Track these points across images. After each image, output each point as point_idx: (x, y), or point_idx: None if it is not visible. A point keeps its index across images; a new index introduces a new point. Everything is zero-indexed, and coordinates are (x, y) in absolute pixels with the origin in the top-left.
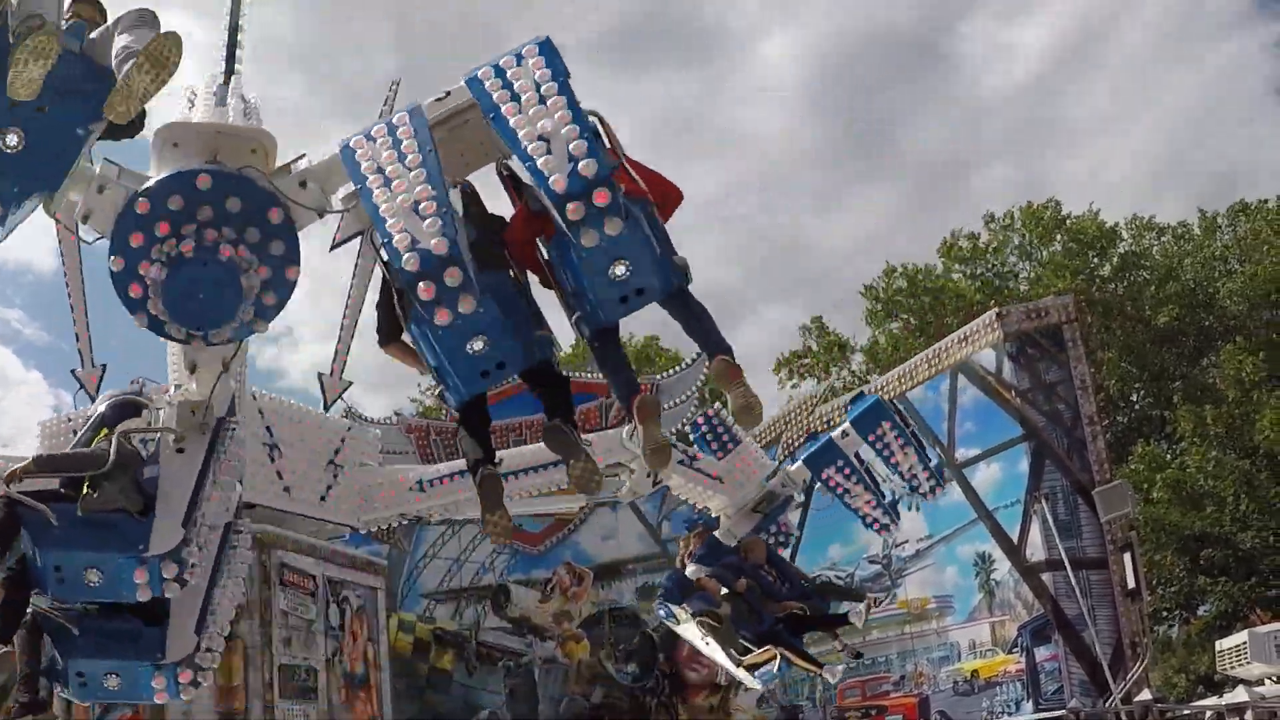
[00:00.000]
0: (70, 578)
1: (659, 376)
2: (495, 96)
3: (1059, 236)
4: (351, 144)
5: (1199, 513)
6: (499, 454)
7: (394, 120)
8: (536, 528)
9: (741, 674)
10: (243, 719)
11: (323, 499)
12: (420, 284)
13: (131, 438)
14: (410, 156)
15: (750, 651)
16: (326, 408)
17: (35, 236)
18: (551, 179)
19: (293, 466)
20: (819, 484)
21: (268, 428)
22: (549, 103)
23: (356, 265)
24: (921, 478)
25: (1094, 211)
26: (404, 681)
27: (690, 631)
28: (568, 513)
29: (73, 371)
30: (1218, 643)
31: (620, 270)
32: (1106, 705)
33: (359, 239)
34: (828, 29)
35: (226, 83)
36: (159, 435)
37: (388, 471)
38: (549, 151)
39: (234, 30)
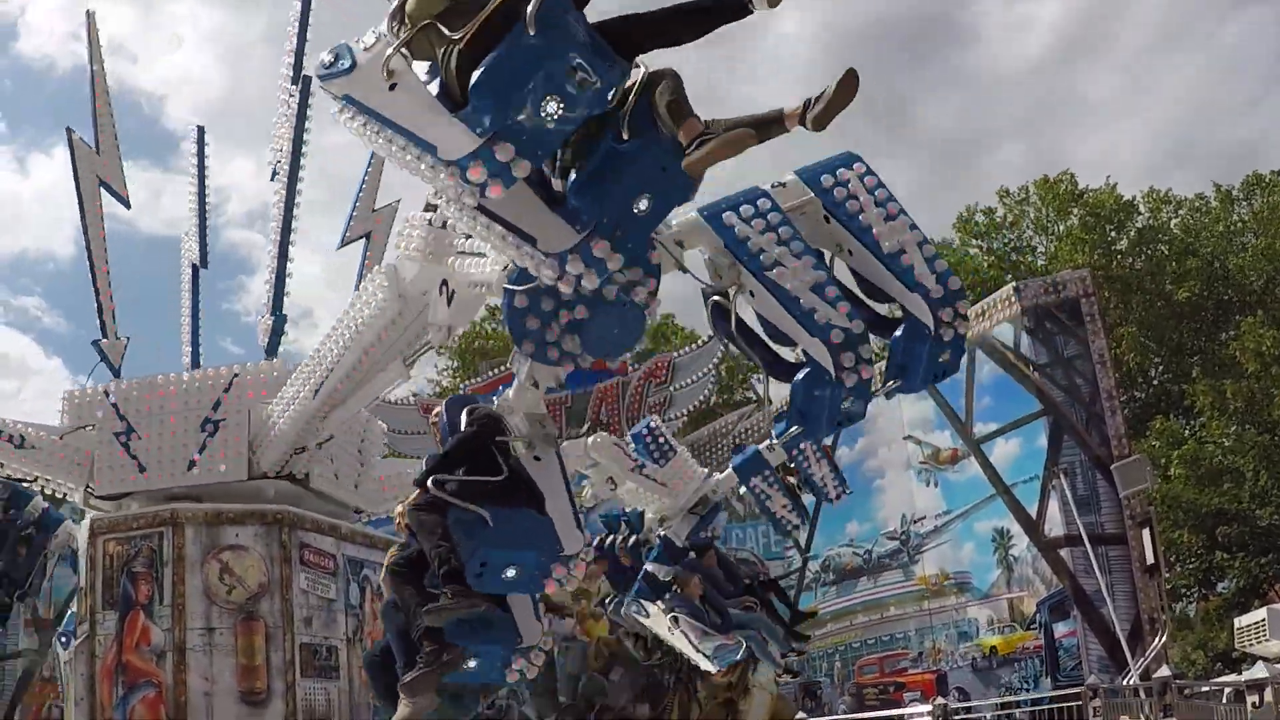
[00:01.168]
0: (490, 572)
1: (675, 354)
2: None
3: (1075, 210)
4: (723, 218)
5: (1217, 489)
6: None
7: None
8: None
9: (699, 657)
10: (264, 697)
11: (192, 465)
12: (844, 354)
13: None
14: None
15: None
16: (267, 352)
17: (56, 224)
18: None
19: (149, 444)
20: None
21: (118, 414)
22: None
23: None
24: (830, 485)
25: (1111, 185)
26: None
27: (659, 622)
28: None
29: (95, 343)
30: (1236, 619)
31: None
32: (1125, 681)
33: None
34: (843, 5)
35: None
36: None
37: (275, 404)
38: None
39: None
